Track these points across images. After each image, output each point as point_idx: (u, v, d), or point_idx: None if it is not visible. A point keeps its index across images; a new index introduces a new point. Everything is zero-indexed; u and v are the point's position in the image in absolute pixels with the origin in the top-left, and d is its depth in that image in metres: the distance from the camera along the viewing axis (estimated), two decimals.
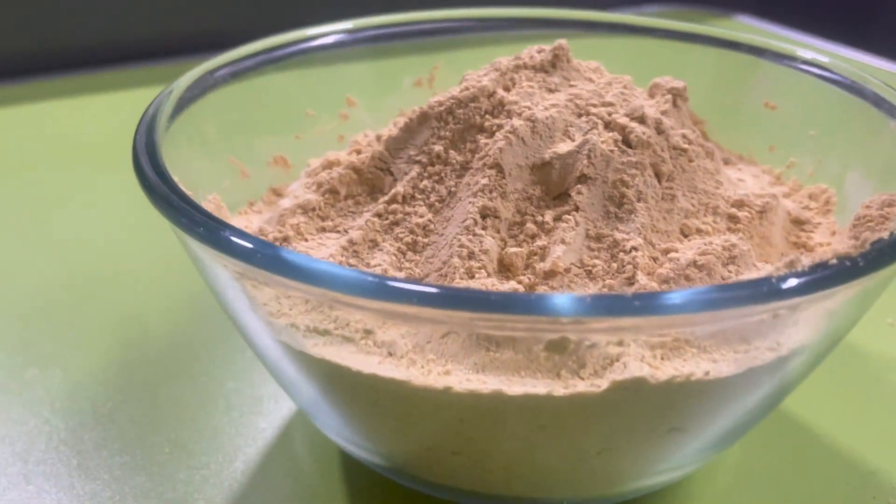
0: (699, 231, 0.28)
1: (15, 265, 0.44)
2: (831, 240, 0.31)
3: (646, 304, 0.18)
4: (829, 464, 0.31)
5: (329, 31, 0.38)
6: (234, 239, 0.21)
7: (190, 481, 0.31)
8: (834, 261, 0.20)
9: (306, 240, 0.29)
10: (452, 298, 0.19)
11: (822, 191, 0.33)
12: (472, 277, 0.25)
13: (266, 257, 0.21)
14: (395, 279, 0.20)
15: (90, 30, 0.72)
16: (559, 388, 0.22)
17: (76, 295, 0.41)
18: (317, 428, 0.33)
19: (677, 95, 0.31)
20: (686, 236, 0.28)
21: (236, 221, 0.32)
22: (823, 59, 0.35)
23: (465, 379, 0.22)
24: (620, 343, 0.21)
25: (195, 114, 0.31)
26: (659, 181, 0.28)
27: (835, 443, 0.32)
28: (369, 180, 0.30)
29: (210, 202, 0.31)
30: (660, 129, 0.29)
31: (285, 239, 0.29)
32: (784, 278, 0.19)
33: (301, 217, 0.30)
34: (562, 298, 0.19)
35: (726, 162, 0.37)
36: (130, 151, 0.26)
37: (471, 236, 0.26)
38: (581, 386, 0.22)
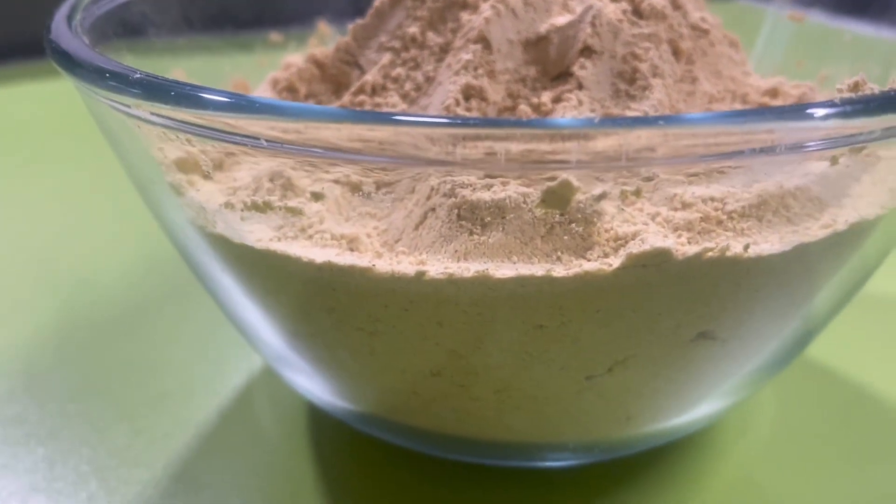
0: None
1: None
2: None
3: (660, 119, 0.14)
4: (872, 419, 0.27)
5: None
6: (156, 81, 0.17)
7: (132, 445, 0.26)
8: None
9: None
10: (428, 121, 0.14)
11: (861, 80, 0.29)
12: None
13: (221, 101, 0.16)
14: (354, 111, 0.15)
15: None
16: (560, 269, 0.17)
17: (16, 259, 0.37)
18: (279, 388, 0.28)
19: None
20: None
21: None
22: None
23: (442, 267, 0.18)
24: (636, 198, 0.16)
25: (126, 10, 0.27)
26: (677, 59, 0.24)
27: (878, 397, 0.27)
28: (333, 76, 0.26)
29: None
30: (676, 4, 0.24)
31: None
32: (845, 101, 0.15)
33: None
34: (561, 119, 0.14)
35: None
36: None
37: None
38: (588, 265, 0.17)
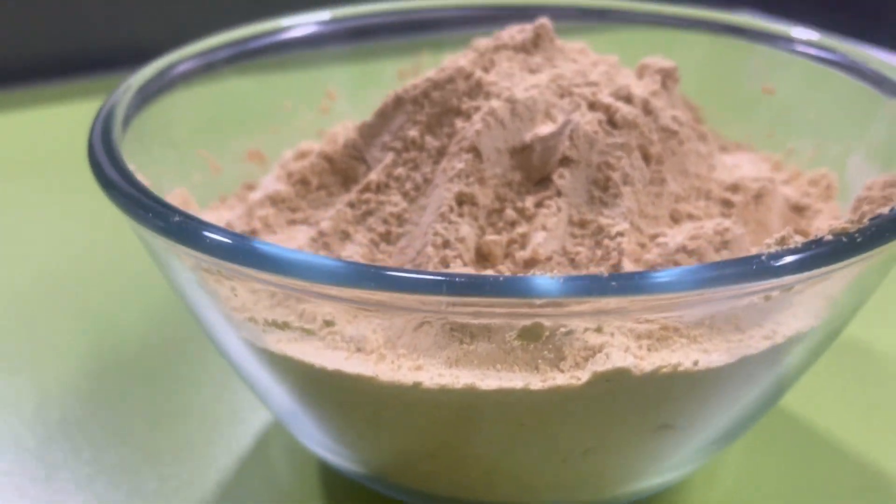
0: (690, 216, 0.26)
1: None
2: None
3: (624, 284, 0.17)
4: (835, 466, 0.30)
5: (306, 22, 0.37)
6: (190, 225, 0.20)
7: (160, 492, 0.29)
8: (829, 237, 0.19)
9: (275, 232, 0.28)
10: (416, 282, 0.17)
11: (822, 176, 0.31)
12: (447, 267, 0.24)
13: (221, 244, 0.19)
14: (351, 262, 0.18)
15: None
16: (536, 382, 0.20)
17: (45, 302, 0.40)
18: (294, 437, 0.31)
19: (667, 76, 0.29)
20: (676, 221, 0.26)
21: (205, 217, 0.31)
22: (820, 39, 0.33)
23: (436, 374, 0.21)
24: (600, 330, 0.20)
25: (159, 109, 0.30)
26: (647, 164, 0.26)
27: (841, 444, 0.30)
28: (342, 170, 0.29)
29: (175, 195, 0.29)
30: (648, 110, 0.27)
31: (253, 231, 0.27)
32: (776, 256, 0.18)
33: (270, 209, 0.28)
34: (534, 279, 0.17)
35: (722, 149, 0.35)
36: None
37: (446, 224, 0.24)
38: (560, 378, 0.20)
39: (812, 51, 0.33)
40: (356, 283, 0.17)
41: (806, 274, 0.18)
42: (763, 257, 0.18)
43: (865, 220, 0.20)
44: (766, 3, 0.86)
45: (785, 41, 0.34)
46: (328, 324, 0.21)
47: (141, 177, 0.24)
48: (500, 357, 0.21)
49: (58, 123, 0.61)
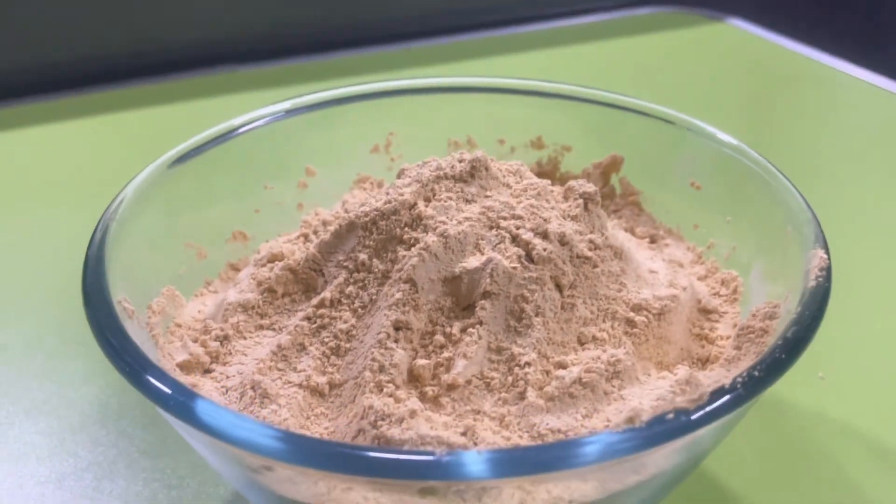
0: (595, 338, 0.30)
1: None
2: (731, 332, 0.33)
3: (455, 469, 0.21)
4: None
5: (267, 114, 0.41)
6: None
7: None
8: (671, 415, 0.23)
9: (245, 337, 0.32)
10: (324, 456, 0.22)
11: (732, 278, 0.36)
12: (381, 390, 0.28)
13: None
14: (275, 430, 0.23)
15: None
16: None
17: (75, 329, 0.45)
18: None
19: (588, 199, 0.33)
20: (583, 344, 0.30)
21: (191, 306, 0.36)
22: (743, 147, 0.37)
23: (362, 497, 0.26)
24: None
25: (145, 213, 0.34)
26: (561, 292, 0.31)
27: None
28: (304, 280, 0.33)
29: (164, 296, 0.34)
30: (563, 241, 0.31)
31: (226, 337, 0.32)
32: (608, 441, 0.22)
33: (241, 315, 0.33)
34: (426, 465, 0.22)
35: (653, 239, 0.39)
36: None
37: (382, 350, 0.29)
38: None
39: (735, 155, 0.37)
40: (281, 456, 0.22)
41: (638, 454, 0.23)
42: (598, 440, 0.22)
43: (705, 397, 0.24)
44: (759, 11, 0.88)
45: (713, 141, 0.38)
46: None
47: (127, 304, 0.29)
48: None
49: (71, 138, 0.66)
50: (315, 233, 0.37)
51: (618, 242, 0.33)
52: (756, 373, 0.25)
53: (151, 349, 0.31)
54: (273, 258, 0.35)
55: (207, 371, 0.32)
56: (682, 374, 0.29)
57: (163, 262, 0.35)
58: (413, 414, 0.27)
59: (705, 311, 0.34)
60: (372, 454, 0.22)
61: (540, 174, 0.44)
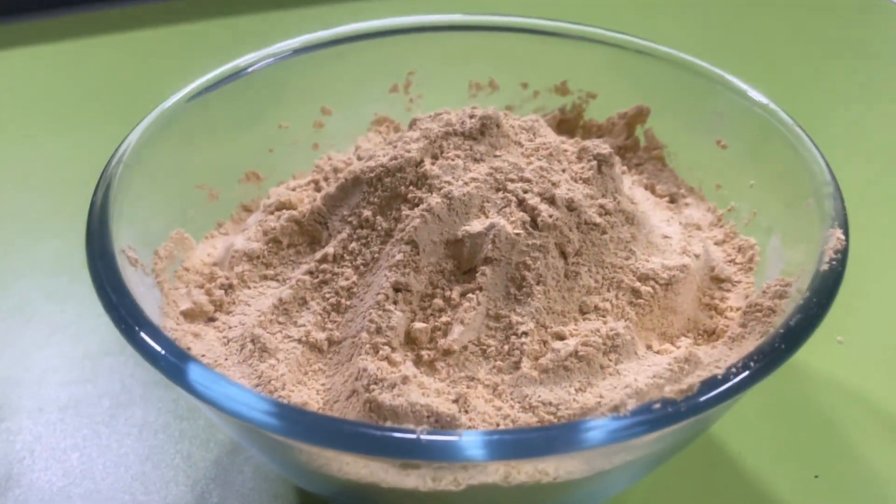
0: (597, 308, 0.30)
1: None
2: (742, 304, 0.32)
3: (434, 450, 0.22)
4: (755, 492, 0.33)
5: (281, 50, 0.40)
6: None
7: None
8: (658, 405, 0.23)
9: (249, 287, 0.32)
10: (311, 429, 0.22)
11: (749, 246, 0.34)
12: (377, 352, 0.28)
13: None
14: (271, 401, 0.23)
15: None
16: (424, 484, 0.25)
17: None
18: None
19: (602, 161, 0.32)
20: (584, 313, 0.30)
21: (201, 248, 0.36)
22: (773, 108, 0.35)
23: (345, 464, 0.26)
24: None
25: (154, 153, 0.34)
26: (565, 259, 0.30)
27: (766, 469, 0.34)
28: (309, 232, 0.33)
29: (172, 240, 0.34)
30: (571, 207, 0.30)
31: (231, 286, 0.32)
32: (589, 429, 0.22)
33: (246, 265, 0.33)
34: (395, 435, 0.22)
35: (673, 198, 0.38)
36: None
37: (380, 311, 0.29)
38: (442, 484, 0.25)
39: (763, 114, 0.35)
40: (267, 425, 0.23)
41: (628, 442, 0.22)
42: (579, 428, 0.22)
43: (695, 388, 0.23)
44: None
45: (742, 97, 0.36)
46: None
47: (131, 253, 0.29)
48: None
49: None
50: (326, 179, 0.37)
51: (630, 207, 0.32)
52: (752, 363, 0.24)
53: (155, 297, 0.31)
54: (281, 206, 0.35)
55: (211, 319, 0.32)
56: (682, 352, 0.29)
57: (173, 205, 0.35)
58: (405, 380, 0.27)
59: (718, 280, 0.34)
60: (354, 429, 0.23)
61: (563, 121, 0.42)
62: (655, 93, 0.40)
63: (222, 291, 0.32)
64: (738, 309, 0.32)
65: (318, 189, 0.36)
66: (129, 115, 0.37)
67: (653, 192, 0.38)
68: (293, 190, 0.36)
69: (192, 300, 0.32)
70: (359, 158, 0.38)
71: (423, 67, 0.43)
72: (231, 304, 0.32)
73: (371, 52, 0.42)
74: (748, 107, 0.36)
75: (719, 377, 0.24)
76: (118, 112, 0.50)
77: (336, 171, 0.37)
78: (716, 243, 0.36)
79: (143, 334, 0.25)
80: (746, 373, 0.24)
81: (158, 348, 0.25)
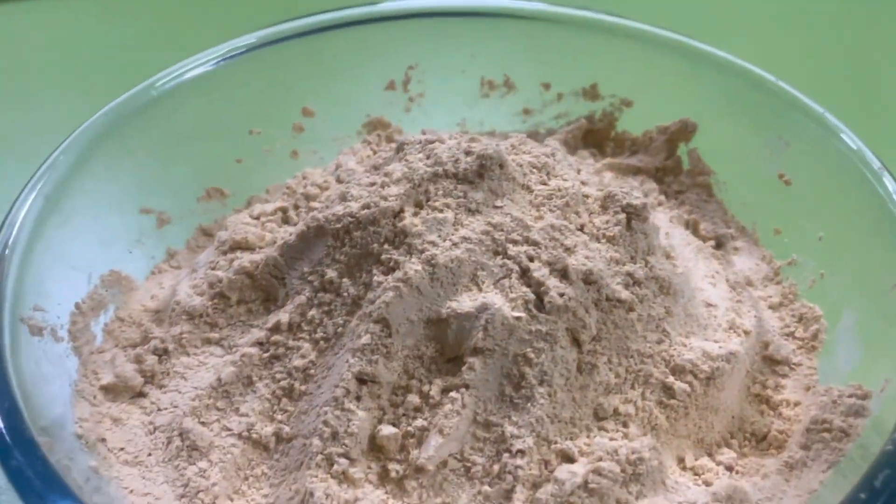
0: (617, 413, 0.23)
1: None
2: (801, 398, 0.25)
3: None
4: None
5: (253, 41, 0.33)
6: None
7: None
8: None
9: (188, 354, 0.26)
10: None
11: (814, 317, 0.27)
12: (331, 465, 0.22)
13: None
14: None
15: None
16: None
17: None
18: None
19: (633, 215, 0.25)
20: (600, 420, 0.23)
21: (146, 287, 0.30)
22: (863, 150, 0.27)
23: None
24: None
25: (81, 179, 0.28)
26: (579, 347, 0.23)
27: None
28: (263, 287, 0.27)
29: (104, 283, 0.28)
30: (589, 280, 0.24)
31: (166, 351, 0.26)
32: None
33: (186, 325, 0.27)
34: None
35: (719, 242, 0.31)
36: None
37: (338, 411, 0.23)
38: None
39: (848, 157, 0.27)
40: None
41: None
42: None
43: None
44: None
45: (823, 129, 0.29)
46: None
47: (33, 321, 0.23)
48: None
49: None
50: (296, 209, 0.30)
51: (666, 272, 0.25)
52: None
53: (67, 370, 0.25)
54: (235, 245, 0.28)
55: (140, 394, 0.26)
56: (723, 485, 0.22)
57: (108, 239, 0.29)
58: None
59: (772, 361, 0.27)
60: None
61: (590, 132, 0.35)
62: (706, 106, 0.33)
63: (155, 358, 0.26)
64: (796, 404, 0.25)
65: (286, 220, 0.30)
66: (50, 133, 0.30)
67: (695, 231, 0.31)
68: (257, 218, 0.30)
69: (116, 372, 0.26)
70: (338, 181, 0.31)
71: (425, 61, 0.36)
72: (164, 376, 0.26)
73: (363, 42, 0.35)
74: (825, 137, 0.28)
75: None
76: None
77: (308, 197, 0.30)
78: (770, 306, 0.29)
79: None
80: None
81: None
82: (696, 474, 0.23)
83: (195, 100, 0.32)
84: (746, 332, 0.26)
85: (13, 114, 0.44)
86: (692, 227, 0.32)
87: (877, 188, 0.26)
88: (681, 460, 0.24)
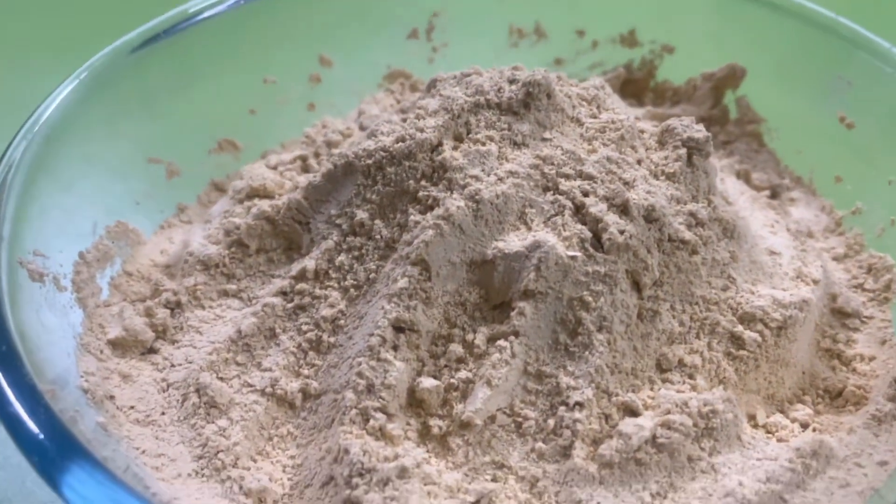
0: (682, 364, 0.21)
1: None
2: (876, 352, 0.23)
3: None
4: None
5: None
6: None
7: None
8: None
9: (203, 307, 0.24)
10: None
11: (885, 266, 0.25)
12: (367, 422, 0.20)
13: None
14: None
15: None
16: None
17: None
18: None
19: (694, 150, 0.23)
20: (664, 371, 0.21)
21: (154, 242, 0.27)
22: None
23: None
24: None
25: (85, 121, 0.26)
26: (640, 293, 0.21)
27: None
28: (285, 234, 0.24)
29: (111, 234, 0.26)
30: (651, 217, 0.21)
31: (178, 304, 0.24)
32: None
33: (201, 276, 0.24)
34: None
35: (775, 192, 0.29)
36: None
37: (374, 361, 0.20)
38: None
39: None
40: None
41: None
42: None
43: None
44: None
45: (890, 66, 0.26)
46: None
47: (32, 265, 0.21)
48: None
49: None
50: (317, 156, 0.28)
51: (729, 213, 0.23)
52: None
53: (72, 322, 0.23)
54: (253, 193, 0.26)
55: (151, 350, 0.23)
56: (806, 440, 0.20)
57: (113, 187, 0.27)
58: (404, 473, 0.19)
59: (842, 314, 0.25)
60: None
61: (628, 82, 0.33)
62: (755, 48, 0.30)
63: (167, 312, 0.24)
64: (871, 358, 0.23)
65: (306, 169, 0.28)
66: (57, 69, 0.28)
67: (748, 181, 0.29)
68: (274, 168, 0.28)
69: (124, 325, 0.23)
70: (361, 128, 0.29)
71: (450, 8, 0.33)
72: (178, 330, 0.24)
73: None
74: (892, 74, 0.26)
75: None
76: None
77: (330, 144, 0.28)
78: (834, 258, 0.27)
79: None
80: None
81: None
82: (768, 432, 0.21)
83: (206, 43, 0.30)
84: (815, 282, 0.24)
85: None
86: (744, 177, 0.29)
87: None
88: (751, 417, 0.21)
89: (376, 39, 0.33)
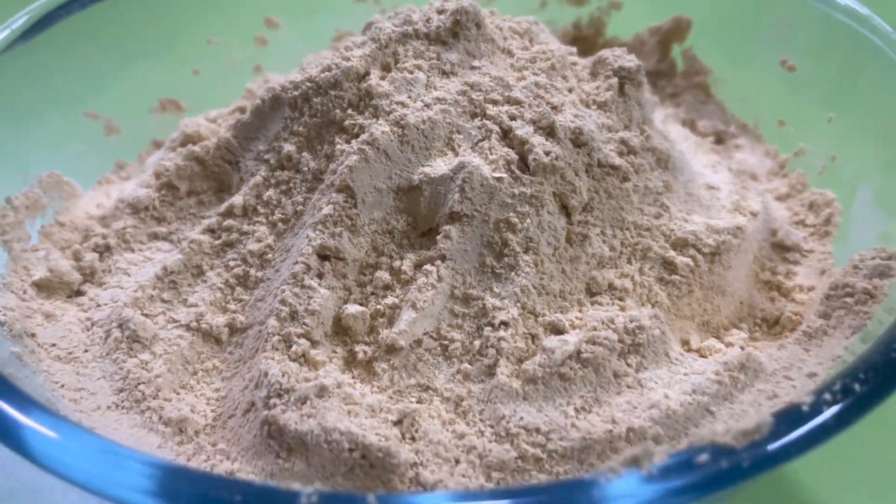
0: (613, 288, 0.21)
1: None
2: (816, 283, 0.23)
3: None
4: None
5: None
6: None
7: None
8: (703, 457, 0.14)
9: (133, 250, 0.24)
10: None
11: (826, 201, 0.25)
12: (290, 346, 0.19)
13: None
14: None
15: None
16: None
17: None
18: None
19: (626, 79, 0.23)
20: (594, 295, 0.21)
21: (89, 197, 0.27)
22: (868, 15, 0.25)
23: None
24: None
25: (14, 63, 0.25)
26: (568, 217, 0.21)
27: None
28: (215, 174, 0.24)
29: (42, 184, 0.25)
30: (578, 141, 0.21)
31: (108, 248, 0.23)
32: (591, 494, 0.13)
33: (130, 219, 0.24)
34: None
35: (720, 138, 0.29)
36: None
37: (297, 288, 0.20)
38: None
39: (854, 28, 0.25)
40: None
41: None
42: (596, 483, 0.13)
43: (765, 429, 0.14)
44: None
45: (824, 3, 0.26)
46: None
47: None
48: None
49: None
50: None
51: (664, 144, 0.23)
52: (857, 385, 0.15)
53: None
54: (187, 139, 0.26)
55: (78, 293, 0.23)
56: (735, 354, 0.20)
57: (44, 137, 0.26)
58: (323, 391, 0.18)
59: (782, 248, 0.24)
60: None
61: (577, 39, 0.33)
62: (697, 1, 0.30)
63: (95, 255, 0.23)
64: (810, 289, 0.23)
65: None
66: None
67: (693, 129, 0.29)
68: (213, 121, 0.27)
69: (50, 266, 0.23)
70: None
71: None
72: (106, 273, 0.23)
73: None
74: (829, 14, 0.26)
75: (805, 408, 0.15)
76: None
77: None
78: (777, 198, 0.26)
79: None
80: (849, 400, 0.15)
81: None
82: (702, 355, 0.21)
83: (148, 3, 0.30)
84: (754, 214, 0.24)
85: None
86: (689, 125, 0.29)
87: (889, 54, 0.24)
88: (685, 343, 0.21)
89: (324, 1, 0.33)
